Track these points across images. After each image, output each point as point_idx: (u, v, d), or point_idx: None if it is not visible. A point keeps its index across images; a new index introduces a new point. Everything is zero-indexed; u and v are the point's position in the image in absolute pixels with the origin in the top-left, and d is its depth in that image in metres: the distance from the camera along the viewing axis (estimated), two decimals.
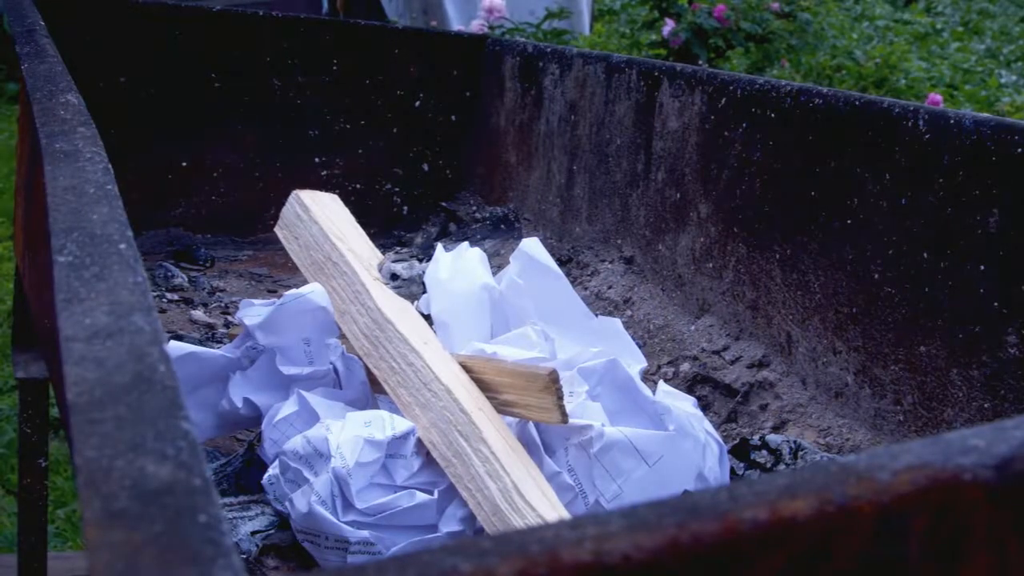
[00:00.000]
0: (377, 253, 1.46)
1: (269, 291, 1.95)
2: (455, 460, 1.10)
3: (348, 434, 1.11)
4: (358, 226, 1.47)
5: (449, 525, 1.10)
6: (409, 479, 1.12)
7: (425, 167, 2.28)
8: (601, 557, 0.33)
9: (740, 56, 5.59)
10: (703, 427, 1.21)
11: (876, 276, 1.27)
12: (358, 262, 1.35)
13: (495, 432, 1.12)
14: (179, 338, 1.59)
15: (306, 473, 1.11)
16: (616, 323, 1.38)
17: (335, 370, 1.27)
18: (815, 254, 1.37)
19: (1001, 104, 5.51)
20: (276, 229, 1.45)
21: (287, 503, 1.12)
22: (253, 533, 1.12)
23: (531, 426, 1.18)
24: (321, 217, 1.41)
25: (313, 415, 1.18)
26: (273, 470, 1.16)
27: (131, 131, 2.08)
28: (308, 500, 1.09)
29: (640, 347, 1.38)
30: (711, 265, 1.57)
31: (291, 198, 1.44)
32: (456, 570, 0.32)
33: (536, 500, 1.05)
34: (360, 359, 1.27)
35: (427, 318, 1.36)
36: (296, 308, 1.26)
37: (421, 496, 1.10)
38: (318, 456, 1.11)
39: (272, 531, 1.14)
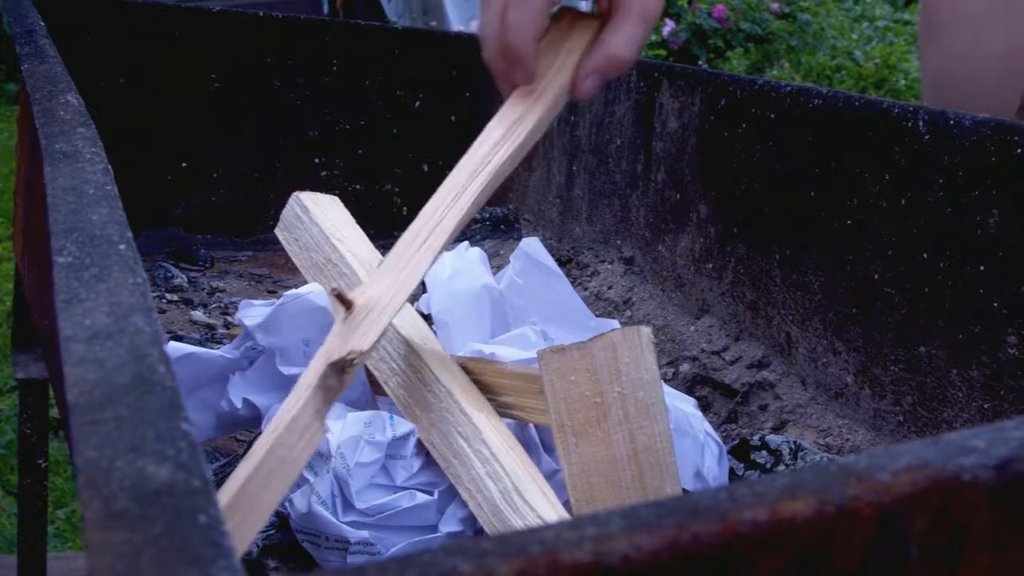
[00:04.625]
0: (377, 254, 1.46)
1: (269, 291, 1.95)
2: (455, 461, 1.10)
3: (348, 434, 1.11)
4: (358, 228, 1.47)
5: (449, 525, 1.10)
6: (409, 480, 1.12)
7: (425, 167, 2.28)
8: (601, 558, 0.33)
9: (740, 56, 5.59)
10: (702, 427, 1.20)
11: (876, 276, 1.27)
12: (358, 264, 1.35)
13: (495, 433, 1.11)
14: (179, 339, 1.59)
15: (306, 473, 1.11)
16: (614, 324, 1.38)
17: None
18: (815, 254, 1.37)
19: None
20: (276, 231, 1.45)
21: (287, 503, 1.12)
22: None
23: (531, 427, 1.18)
24: (321, 219, 1.41)
25: None
26: None
27: (131, 131, 2.08)
28: (308, 500, 1.08)
29: None
30: (711, 265, 1.56)
31: (291, 200, 1.44)
32: (456, 570, 0.32)
33: (536, 501, 1.05)
34: None
35: (427, 318, 1.36)
36: (296, 308, 1.26)
37: (421, 497, 1.10)
38: (318, 456, 1.11)
39: (272, 531, 1.14)
